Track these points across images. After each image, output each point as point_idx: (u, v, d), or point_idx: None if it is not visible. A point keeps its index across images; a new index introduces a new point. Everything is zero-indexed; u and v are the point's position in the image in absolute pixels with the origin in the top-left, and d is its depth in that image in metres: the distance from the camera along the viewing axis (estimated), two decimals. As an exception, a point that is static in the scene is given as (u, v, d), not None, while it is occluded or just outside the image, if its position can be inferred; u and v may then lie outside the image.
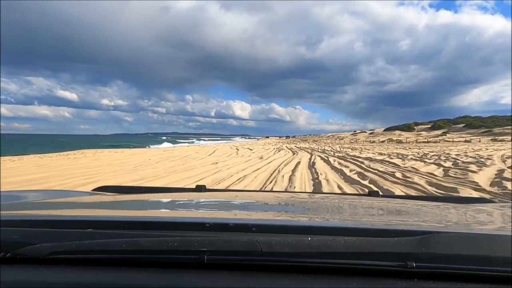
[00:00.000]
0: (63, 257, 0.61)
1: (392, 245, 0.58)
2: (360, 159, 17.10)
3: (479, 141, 53.15)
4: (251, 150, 28.68)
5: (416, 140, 66.52)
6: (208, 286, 0.55)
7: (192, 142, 67.16)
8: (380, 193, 1.65)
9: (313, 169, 12.04)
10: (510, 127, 78.86)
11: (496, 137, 56.97)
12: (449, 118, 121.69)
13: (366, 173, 10.63)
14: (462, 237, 0.61)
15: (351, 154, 22.42)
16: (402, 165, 13.51)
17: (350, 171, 11.50)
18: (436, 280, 0.56)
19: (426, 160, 16.00)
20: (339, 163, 14.80)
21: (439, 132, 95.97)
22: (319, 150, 28.54)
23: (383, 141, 72.03)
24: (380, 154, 22.36)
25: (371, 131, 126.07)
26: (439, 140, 61.73)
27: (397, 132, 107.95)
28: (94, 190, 1.65)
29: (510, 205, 1.32)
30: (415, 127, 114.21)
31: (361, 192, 6.04)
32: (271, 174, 10.56)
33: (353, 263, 0.57)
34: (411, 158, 17.44)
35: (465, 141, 56.45)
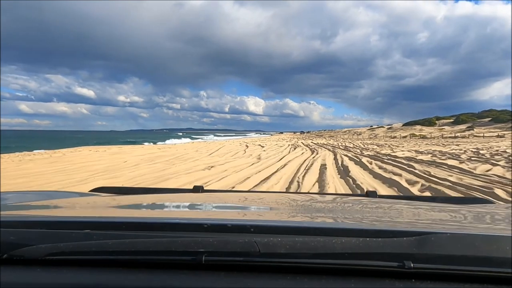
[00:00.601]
0: (61, 258, 0.61)
1: (390, 245, 0.58)
2: (400, 160, 13.04)
3: (514, 136, 48.08)
4: (262, 147, 24.80)
5: (442, 135, 61.27)
6: (205, 287, 0.56)
7: (201, 138, 63.89)
8: (378, 193, 1.58)
9: (350, 180, 8.04)
10: (542, 121, 72.68)
11: (533, 132, 51.37)
12: (473, 112, 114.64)
13: (439, 187, 6.63)
14: (459, 237, 0.61)
15: (383, 152, 18.30)
16: (471, 170, 9.40)
17: (409, 183, 7.46)
18: (434, 280, 0.56)
19: (492, 160, 11.78)
20: (380, 167, 10.77)
21: (463, 126, 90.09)
22: (341, 147, 24.44)
23: (405, 137, 67.02)
24: (418, 152, 18.18)
25: (389, 126, 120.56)
26: (467, 135, 56.44)
27: (418, 127, 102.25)
28: (92, 191, 1.63)
29: (508, 206, 1.30)
30: (436, 122, 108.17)
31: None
32: (287, 190, 6.66)
33: (350, 263, 0.57)
34: (468, 158, 13.21)
35: (498, 136, 51.13)
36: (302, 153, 18.24)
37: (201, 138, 60.86)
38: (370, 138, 65.30)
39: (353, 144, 30.30)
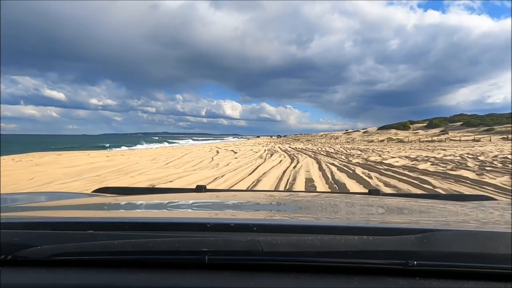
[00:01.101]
0: (64, 259, 0.61)
1: (393, 243, 0.58)
2: (401, 171, 10.44)
3: (490, 140, 47.52)
4: (234, 153, 21.76)
5: (419, 139, 60.40)
6: (209, 286, 0.55)
7: (177, 142, 60.02)
8: (381, 191, 1.60)
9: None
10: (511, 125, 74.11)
11: (507, 136, 51.13)
12: (444, 116, 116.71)
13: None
14: (462, 235, 0.60)
15: (372, 159, 15.74)
16: (505, 186, 6.78)
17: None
18: (437, 278, 0.56)
19: (507, 169, 9.31)
20: (385, 183, 8.01)
21: (436, 130, 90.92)
22: (323, 153, 21.81)
23: (382, 141, 65.89)
24: (411, 159, 15.75)
25: (365, 130, 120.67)
26: (444, 139, 55.74)
27: (393, 131, 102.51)
28: (95, 191, 1.63)
29: (510, 203, 1.32)
30: (410, 126, 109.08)
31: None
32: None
33: (354, 262, 0.57)
34: (480, 167, 10.74)
35: (474, 140, 50.57)
36: (280, 161, 15.36)
37: (178, 143, 57.70)
38: (347, 142, 63.69)
39: (334, 149, 27.80)
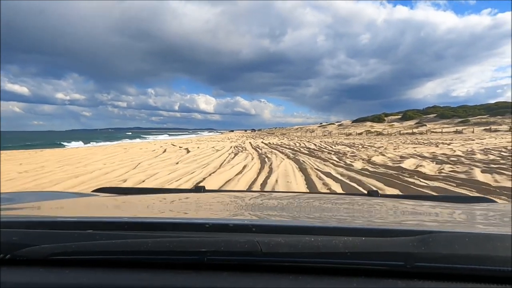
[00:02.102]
0: (63, 258, 0.60)
1: (392, 245, 0.57)
2: (410, 174, 5.22)
3: (473, 132, 44.51)
4: (187, 153, 16.13)
5: (399, 131, 56.85)
6: (208, 286, 0.55)
7: (148, 138, 53.23)
8: (379, 192, 1.59)
9: None
10: (485, 116, 72.47)
11: (489, 127, 48.39)
12: (418, 108, 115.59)
13: None
14: (462, 236, 0.60)
15: (380, 161, 10.64)
16: None
17: None
18: (436, 280, 0.55)
19: None
20: None
21: (411, 122, 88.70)
22: (304, 151, 16.61)
23: (360, 133, 61.99)
24: (427, 158, 10.83)
25: (340, 123, 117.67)
26: (425, 132, 52.41)
27: (368, 123, 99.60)
28: (94, 191, 1.62)
29: (509, 205, 1.37)
30: (385, 118, 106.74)
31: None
32: None
33: (353, 263, 0.57)
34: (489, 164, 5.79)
35: (456, 132, 47.39)
36: (244, 167, 9.93)
37: (147, 138, 50.84)
38: (325, 135, 59.36)
39: (316, 145, 22.68)
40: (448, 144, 19.78)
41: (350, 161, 10.83)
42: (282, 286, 0.54)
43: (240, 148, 19.22)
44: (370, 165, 9.82)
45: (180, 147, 20.80)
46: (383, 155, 13.03)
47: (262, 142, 28.96)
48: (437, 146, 18.30)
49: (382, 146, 19.22)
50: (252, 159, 12.22)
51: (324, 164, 10.32)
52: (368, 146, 20.02)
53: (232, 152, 16.29)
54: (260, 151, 16.97)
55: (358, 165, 9.86)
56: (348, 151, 15.51)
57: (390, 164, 9.83)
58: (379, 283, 0.55)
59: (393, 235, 0.60)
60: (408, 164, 9.72)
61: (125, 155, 14.93)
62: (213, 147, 20.35)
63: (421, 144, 21.45)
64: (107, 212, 1.06)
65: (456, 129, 51.11)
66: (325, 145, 21.64)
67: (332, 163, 10.46)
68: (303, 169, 9.20)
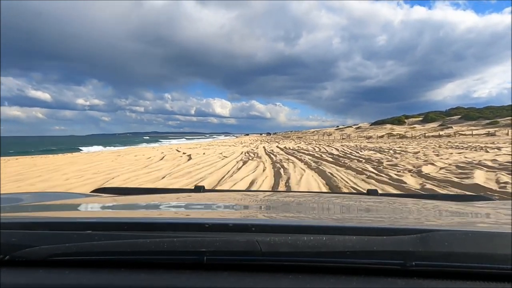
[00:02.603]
0: (62, 259, 0.60)
1: (391, 243, 0.57)
2: None
3: (508, 134, 40.43)
4: (189, 160, 13.57)
5: (424, 134, 52.94)
6: (207, 286, 0.55)
7: (167, 142, 51.46)
8: (379, 191, 1.56)
9: None
10: (515, 117, 67.43)
11: (525, 129, 44.05)
12: (440, 110, 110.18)
13: None
14: (461, 235, 0.60)
15: (425, 171, 7.75)
16: None
17: None
18: (436, 278, 0.55)
19: None
20: None
21: (434, 125, 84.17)
22: (327, 157, 13.79)
23: (381, 136, 58.40)
24: (477, 166, 7.83)
25: (357, 126, 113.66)
26: (453, 134, 48.37)
27: (388, 125, 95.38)
28: (93, 191, 1.61)
29: (509, 203, 1.30)
30: (405, 120, 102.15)
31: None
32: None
33: (352, 262, 0.57)
34: None
35: (488, 134, 43.31)
36: (252, 182, 7.22)
37: (161, 142, 49.11)
38: (343, 138, 56.04)
39: (338, 150, 19.77)
40: (499, 149, 16.55)
41: (396, 174, 7.97)
42: (282, 285, 0.54)
43: (251, 155, 16.53)
44: (429, 181, 6.94)
45: (184, 153, 18.29)
46: (432, 164, 10.08)
47: (277, 146, 26.21)
48: (487, 151, 15.12)
49: (418, 152, 16.15)
50: (263, 170, 9.51)
51: (362, 179, 7.49)
52: (401, 151, 16.99)
53: (241, 159, 13.61)
54: (274, 157, 14.24)
55: (410, 181, 7.00)
56: (382, 158, 12.59)
57: (455, 179, 6.93)
58: (379, 281, 0.55)
59: (392, 233, 0.60)
60: (482, 179, 6.81)
61: (109, 164, 12.45)
62: (221, 153, 17.74)
63: (461, 148, 18.24)
64: (107, 212, 1.04)
65: (488, 131, 46.88)
66: (349, 150, 18.69)
67: (372, 177, 7.62)
68: (335, 188, 6.43)
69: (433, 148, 19.57)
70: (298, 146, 25.55)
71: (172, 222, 0.71)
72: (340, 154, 15.55)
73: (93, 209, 1.12)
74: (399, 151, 16.77)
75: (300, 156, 15.09)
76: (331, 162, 11.82)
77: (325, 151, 18.85)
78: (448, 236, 0.58)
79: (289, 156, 15.09)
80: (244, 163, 11.98)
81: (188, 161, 13.09)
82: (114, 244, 0.60)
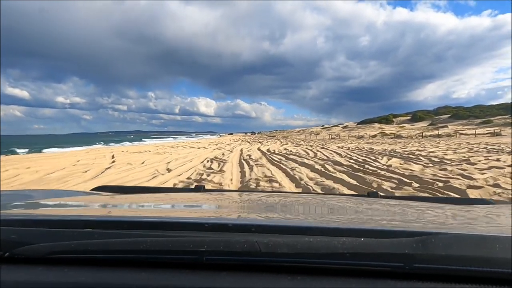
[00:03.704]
0: (62, 256, 0.60)
1: (391, 246, 0.57)
2: None
3: (513, 133, 36.08)
4: (133, 165, 7.55)
5: (422, 134, 48.23)
6: (207, 286, 0.55)
7: (119, 142, 45.00)
8: (379, 194, 1.52)
9: None
10: (507, 116, 63.78)
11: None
12: (428, 109, 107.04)
13: None
14: (461, 238, 0.59)
15: None
16: None
17: None
18: (435, 281, 0.55)
19: None
20: None
21: (424, 124, 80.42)
22: (343, 176, 8.09)
23: (374, 136, 53.51)
24: None
25: (344, 125, 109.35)
26: (454, 134, 43.80)
27: (376, 124, 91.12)
28: (93, 190, 1.60)
29: (509, 207, 1.29)
30: (393, 120, 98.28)
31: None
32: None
33: (352, 264, 0.56)
34: None
35: (493, 134, 38.85)
36: None
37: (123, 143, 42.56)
38: (332, 138, 50.88)
39: (342, 156, 14.16)
40: None
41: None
42: (280, 286, 0.54)
43: (215, 165, 10.67)
44: None
45: (112, 161, 12.20)
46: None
47: (258, 149, 20.40)
48: None
49: (460, 159, 10.62)
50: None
51: None
52: (433, 157, 11.45)
53: (188, 177, 7.74)
54: (248, 171, 8.44)
55: None
56: (399, 167, 6.93)
57: None
58: (378, 284, 0.54)
59: (392, 236, 0.59)
60: None
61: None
62: (168, 162, 11.77)
63: (487, 150, 12.89)
64: (106, 210, 1.04)
65: (493, 130, 42.44)
66: (357, 156, 13.08)
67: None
68: None
69: (463, 151, 14.18)
70: (285, 149, 19.80)
71: (171, 222, 0.69)
72: (353, 164, 9.82)
73: (92, 207, 1.10)
74: (429, 157, 11.27)
75: (293, 166, 9.35)
76: (352, 188, 6.09)
77: (325, 157, 13.14)
78: (448, 239, 0.57)
79: (274, 169, 9.28)
80: (189, 185, 6.18)
81: (93, 179, 7.13)
82: (113, 242, 0.59)
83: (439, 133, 45.72)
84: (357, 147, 20.44)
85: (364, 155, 13.45)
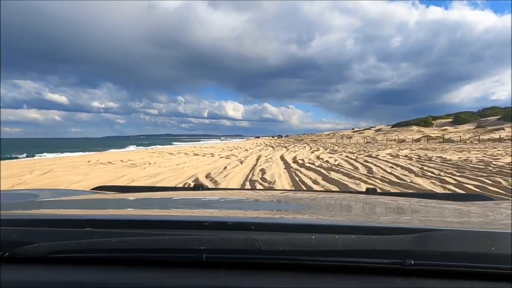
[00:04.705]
0: (62, 256, 0.60)
1: (390, 243, 0.57)
2: None
3: None
4: None
5: (478, 137, 40.76)
6: (206, 284, 0.54)
7: (147, 145, 41.60)
8: (378, 190, 1.52)
9: None
10: None
11: None
12: (472, 111, 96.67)
13: None
14: (460, 234, 0.59)
15: None
16: None
17: None
18: (434, 277, 0.55)
19: None
20: None
21: (470, 126, 71.42)
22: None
23: (418, 140, 46.51)
24: None
25: (376, 128, 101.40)
26: (518, 137, 36.15)
27: (414, 127, 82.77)
28: (93, 189, 1.59)
29: (508, 203, 1.27)
30: (433, 122, 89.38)
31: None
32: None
33: (351, 261, 0.56)
34: None
35: None
36: None
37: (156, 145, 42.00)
38: (368, 142, 44.55)
39: (394, 167, 8.53)
40: None
41: None
42: (280, 284, 0.54)
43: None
44: None
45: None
46: None
47: (282, 157, 15.08)
48: None
49: None
50: None
51: None
52: None
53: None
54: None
55: None
56: None
57: None
58: (377, 281, 0.54)
59: (391, 233, 0.59)
60: None
61: None
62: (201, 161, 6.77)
63: None
64: (106, 210, 1.03)
65: None
66: (447, 174, 7.47)
67: None
68: None
69: None
70: (317, 157, 14.36)
71: (171, 220, 0.70)
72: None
73: (92, 206, 1.09)
74: None
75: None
76: None
77: (388, 175, 7.63)
78: (447, 236, 0.57)
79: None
80: None
81: None
82: (113, 241, 0.59)
83: (501, 137, 38.12)
84: (418, 156, 14.60)
85: (456, 172, 7.79)
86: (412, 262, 0.54)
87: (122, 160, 12.58)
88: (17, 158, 21.93)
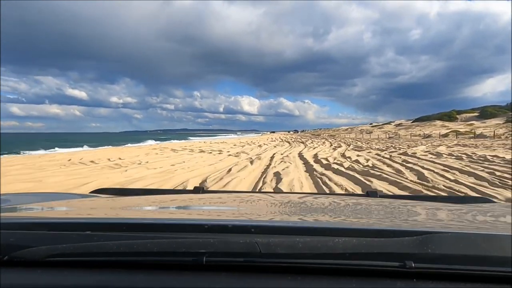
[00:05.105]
0: (61, 259, 0.59)
1: (391, 245, 0.57)
2: None
3: None
4: None
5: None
6: (207, 287, 0.54)
7: (161, 140, 40.60)
8: (378, 193, 1.46)
9: None
10: None
11: None
12: (500, 105, 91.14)
13: None
14: (461, 237, 0.59)
15: None
16: None
17: None
18: (435, 280, 0.55)
19: None
20: None
21: (499, 121, 66.71)
22: None
23: (445, 135, 43.21)
24: None
25: (396, 123, 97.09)
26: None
27: (438, 122, 78.25)
28: (92, 192, 1.56)
29: (509, 205, 1.25)
30: (457, 116, 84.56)
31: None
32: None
33: (352, 263, 0.56)
34: None
35: None
36: None
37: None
38: (390, 137, 41.60)
39: (454, 172, 6.12)
40: None
41: None
42: (281, 286, 0.54)
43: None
44: None
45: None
46: None
47: (300, 155, 12.89)
48: None
49: None
50: None
51: None
52: None
53: None
54: None
55: None
56: None
57: None
58: (378, 283, 0.54)
59: (392, 235, 0.58)
60: None
61: None
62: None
63: None
64: (106, 213, 1.02)
65: None
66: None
67: None
68: None
69: None
70: (342, 155, 12.12)
71: (171, 223, 0.69)
72: None
73: (92, 210, 1.07)
74: None
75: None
76: None
77: (462, 187, 5.32)
78: (448, 238, 0.57)
79: None
80: None
81: None
82: (112, 245, 0.58)
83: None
84: (465, 154, 12.10)
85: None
86: (413, 264, 0.53)
87: (109, 159, 10.70)
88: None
